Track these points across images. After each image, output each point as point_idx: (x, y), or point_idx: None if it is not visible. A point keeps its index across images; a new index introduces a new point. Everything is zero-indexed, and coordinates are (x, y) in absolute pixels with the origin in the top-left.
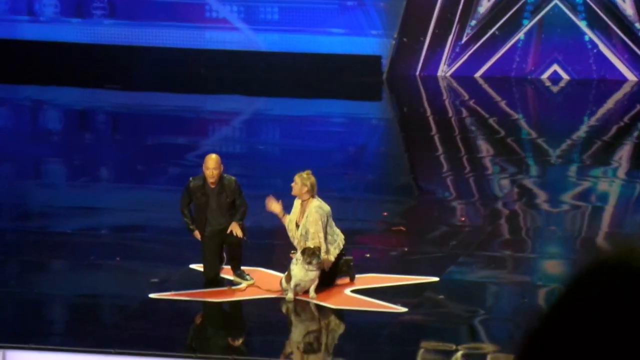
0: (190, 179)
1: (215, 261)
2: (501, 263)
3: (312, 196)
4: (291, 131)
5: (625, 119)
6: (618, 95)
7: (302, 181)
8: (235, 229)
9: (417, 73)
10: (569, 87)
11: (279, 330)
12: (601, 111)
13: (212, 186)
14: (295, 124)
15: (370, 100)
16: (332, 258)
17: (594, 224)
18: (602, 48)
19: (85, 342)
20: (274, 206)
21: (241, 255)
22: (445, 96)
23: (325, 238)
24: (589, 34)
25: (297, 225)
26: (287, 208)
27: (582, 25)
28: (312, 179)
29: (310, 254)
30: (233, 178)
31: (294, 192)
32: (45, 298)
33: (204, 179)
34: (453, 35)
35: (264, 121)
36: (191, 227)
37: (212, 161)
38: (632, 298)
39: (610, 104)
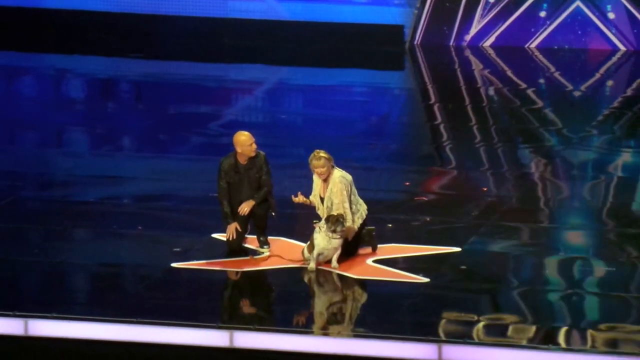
0: (222, 159)
1: (239, 231)
2: (523, 233)
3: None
4: (314, 100)
5: None
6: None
7: (326, 161)
8: (246, 207)
9: (437, 42)
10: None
11: (300, 300)
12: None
13: (243, 162)
14: (318, 94)
15: (392, 69)
16: (355, 227)
17: (618, 195)
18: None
19: (108, 312)
20: (299, 199)
21: (265, 225)
22: (458, 65)
23: (350, 207)
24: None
25: (322, 199)
26: (307, 190)
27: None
28: (327, 154)
29: (335, 221)
30: (263, 153)
31: (323, 177)
32: (67, 267)
33: (235, 156)
34: (463, 5)
35: (287, 90)
36: (229, 219)
37: (247, 137)
38: None
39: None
